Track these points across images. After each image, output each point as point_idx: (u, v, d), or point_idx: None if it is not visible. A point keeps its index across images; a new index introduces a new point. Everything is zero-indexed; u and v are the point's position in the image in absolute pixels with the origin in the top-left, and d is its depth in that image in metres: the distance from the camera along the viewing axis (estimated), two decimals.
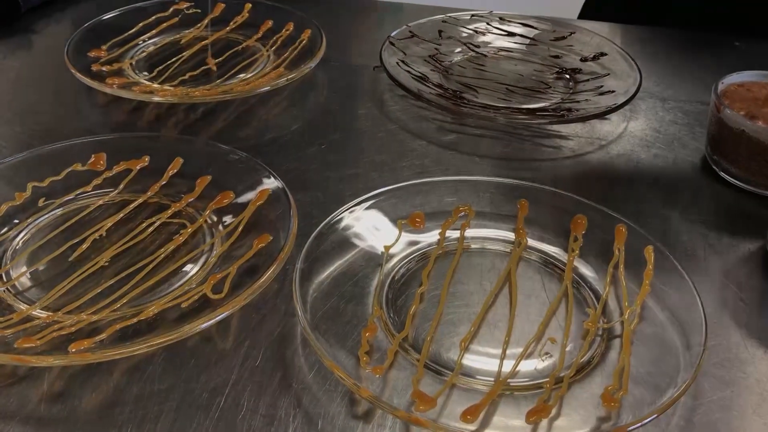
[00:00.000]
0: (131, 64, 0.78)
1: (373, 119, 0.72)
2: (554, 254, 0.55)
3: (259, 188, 0.58)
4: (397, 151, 0.67)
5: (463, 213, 0.58)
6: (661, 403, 0.43)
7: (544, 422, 0.43)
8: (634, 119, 0.73)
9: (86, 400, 0.45)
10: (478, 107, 0.72)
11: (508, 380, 0.46)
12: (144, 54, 0.80)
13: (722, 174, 0.64)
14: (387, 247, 0.55)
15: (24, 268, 0.53)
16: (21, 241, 0.56)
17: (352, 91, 0.77)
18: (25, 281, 0.52)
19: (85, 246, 0.55)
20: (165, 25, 0.84)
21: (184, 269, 0.53)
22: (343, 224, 0.55)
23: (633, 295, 0.51)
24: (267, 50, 0.81)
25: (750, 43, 0.86)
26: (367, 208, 0.56)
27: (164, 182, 0.61)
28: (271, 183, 0.58)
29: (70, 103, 0.74)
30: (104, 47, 0.79)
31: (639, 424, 0.42)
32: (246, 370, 0.47)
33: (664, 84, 0.79)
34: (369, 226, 0.56)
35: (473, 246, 0.56)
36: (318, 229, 0.53)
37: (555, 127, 0.71)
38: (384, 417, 0.44)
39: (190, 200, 0.59)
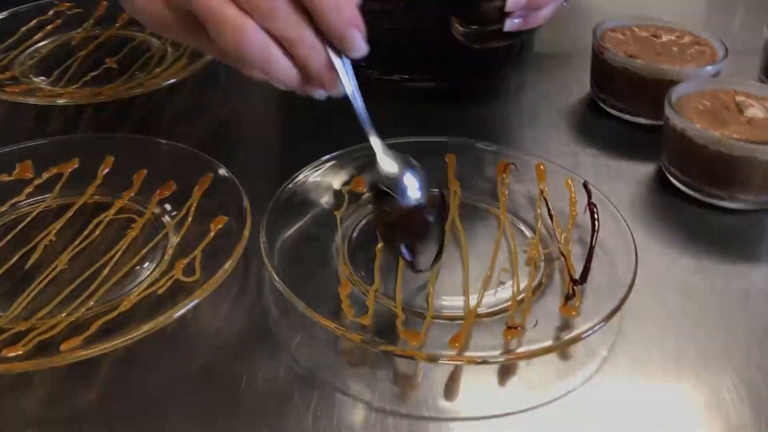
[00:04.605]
0: (23, 70, 0.76)
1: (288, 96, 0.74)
2: (487, 198, 0.61)
3: (199, 174, 0.59)
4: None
5: None
6: (610, 309, 0.49)
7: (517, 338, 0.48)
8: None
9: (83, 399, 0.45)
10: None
11: (477, 310, 0.51)
12: (35, 59, 0.78)
13: (610, 110, 0.72)
14: (337, 212, 0.58)
15: None
16: None
17: None
18: None
19: (37, 254, 0.54)
20: (50, 27, 0.82)
21: (146, 261, 0.54)
22: (294, 194, 0.57)
23: (564, 222, 0.57)
24: (163, 43, 0.81)
25: None
26: (313, 177, 0.59)
27: (99, 182, 0.61)
28: (209, 167, 0.59)
29: None
30: None
31: (597, 328, 0.48)
32: (228, 347, 0.49)
33: (545, 40, 0.86)
34: (318, 194, 0.59)
35: None
36: (271, 202, 0.55)
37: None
38: (373, 376, 0.47)
39: (131, 195, 0.59)
